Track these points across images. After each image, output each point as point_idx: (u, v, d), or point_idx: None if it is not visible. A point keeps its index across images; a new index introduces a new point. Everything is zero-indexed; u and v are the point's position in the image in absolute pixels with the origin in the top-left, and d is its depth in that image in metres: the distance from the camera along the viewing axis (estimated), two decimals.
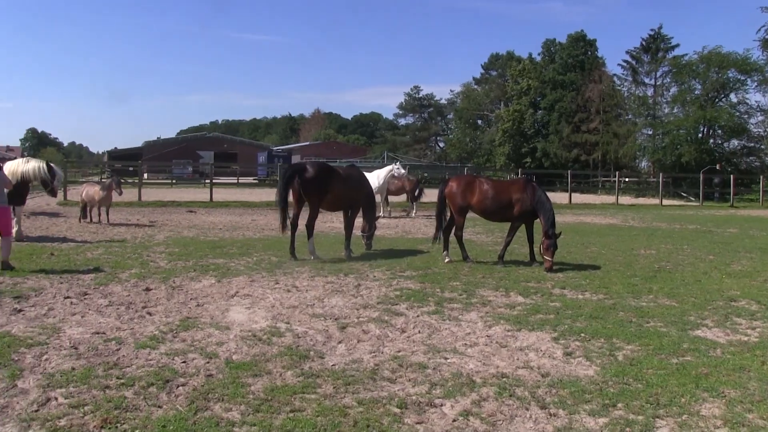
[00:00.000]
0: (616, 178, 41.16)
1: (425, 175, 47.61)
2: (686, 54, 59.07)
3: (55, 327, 6.85)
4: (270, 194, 33.79)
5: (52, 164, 14.05)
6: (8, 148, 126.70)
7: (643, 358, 6.16)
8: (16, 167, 13.89)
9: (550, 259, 11.30)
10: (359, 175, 13.49)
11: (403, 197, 26.69)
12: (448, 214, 12.43)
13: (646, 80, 66.09)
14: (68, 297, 8.39)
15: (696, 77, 56.77)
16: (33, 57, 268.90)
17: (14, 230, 13.68)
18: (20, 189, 13.79)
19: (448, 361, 6.02)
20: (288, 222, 12.35)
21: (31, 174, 13.85)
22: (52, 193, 14.28)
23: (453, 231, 12.34)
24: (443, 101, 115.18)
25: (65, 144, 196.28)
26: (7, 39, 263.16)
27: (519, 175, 39.46)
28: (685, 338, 6.93)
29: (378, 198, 21.76)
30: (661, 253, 14.38)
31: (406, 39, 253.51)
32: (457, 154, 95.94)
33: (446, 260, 12.08)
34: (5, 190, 10.57)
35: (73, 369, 5.48)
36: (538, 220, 11.95)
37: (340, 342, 6.56)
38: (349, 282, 9.96)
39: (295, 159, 76.22)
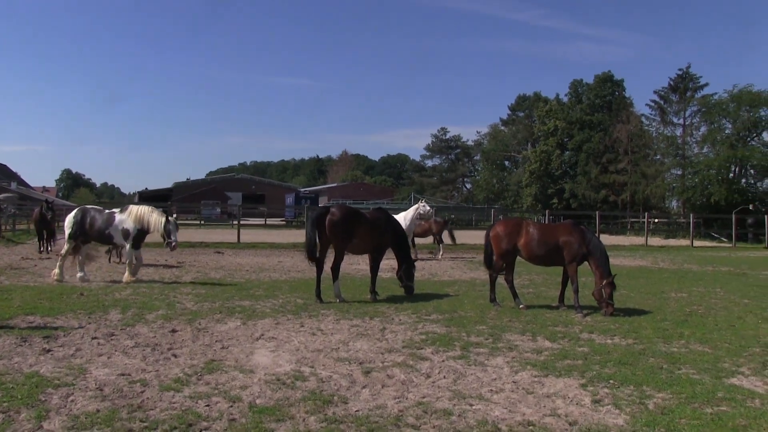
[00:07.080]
0: (646, 219, 40.61)
1: (452, 216, 47.46)
2: (716, 93, 58.62)
3: (81, 368, 6.88)
4: (297, 236, 34.03)
5: (170, 219, 14.54)
6: (45, 189, 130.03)
7: (675, 407, 5.95)
8: (143, 214, 14.62)
9: (612, 303, 11.10)
10: (386, 218, 13.31)
11: (429, 239, 26.51)
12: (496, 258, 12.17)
13: (675, 120, 65.64)
14: (95, 338, 8.46)
15: (726, 116, 56.09)
16: (64, 100, 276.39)
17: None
18: (139, 235, 14.71)
19: (474, 407, 5.90)
20: (316, 254, 12.21)
21: (152, 225, 14.57)
22: (170, 246, 14.65)
23: (496, 272, 12.14)
24: (470, 142, 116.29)
25: (98, 185, 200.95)
26: (36, 84, 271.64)
27: (547, 216, 39.20)
28: (719, 387, 6.66)
29: None
30: (693, 297, 14.07)
31: (433, 80, 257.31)
32: (484, 196, 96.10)
33: (521, 306, 11.76)
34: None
35: (98, 411, 5.48)
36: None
37: (364, 387, 6.47)
38: (374, 325, 9.89)
39: (323, 200, 76.94)
